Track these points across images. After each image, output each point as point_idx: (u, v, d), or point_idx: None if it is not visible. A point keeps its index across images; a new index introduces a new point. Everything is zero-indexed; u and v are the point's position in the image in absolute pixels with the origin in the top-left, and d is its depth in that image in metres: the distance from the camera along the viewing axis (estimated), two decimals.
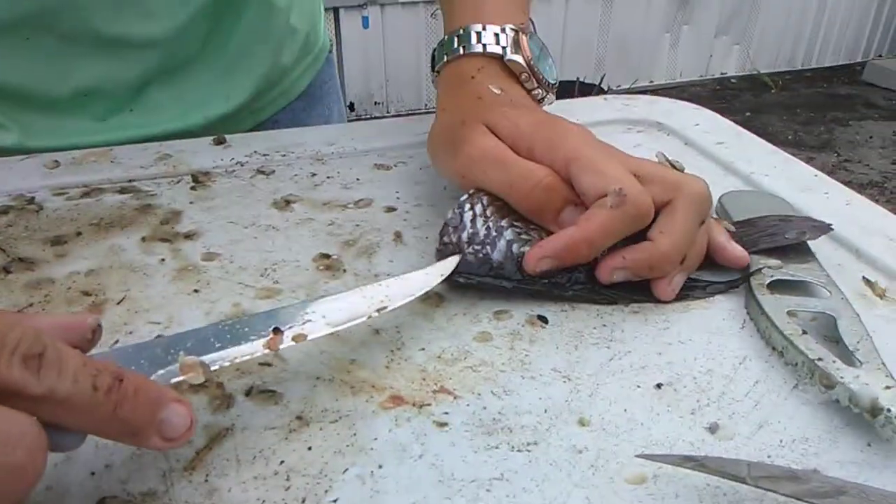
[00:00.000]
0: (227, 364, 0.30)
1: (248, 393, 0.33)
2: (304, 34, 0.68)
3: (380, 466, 0.29)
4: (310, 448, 0.30)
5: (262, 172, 0.52)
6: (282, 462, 0.30)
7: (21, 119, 0.57)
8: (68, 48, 0.55)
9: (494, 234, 0.39)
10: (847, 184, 0.51)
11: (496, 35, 0.46)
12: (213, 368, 0.29)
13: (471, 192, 0.41)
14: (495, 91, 0.44)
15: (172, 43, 0.58)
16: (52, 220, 0.46)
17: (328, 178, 0.51)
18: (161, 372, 0.28)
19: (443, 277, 0.38)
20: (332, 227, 0.45)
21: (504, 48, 0.46)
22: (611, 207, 0.37)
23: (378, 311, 0.35)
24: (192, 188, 0.50)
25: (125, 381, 0.24)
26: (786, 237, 0.42)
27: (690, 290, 0.40)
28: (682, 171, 0.41)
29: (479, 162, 0.41)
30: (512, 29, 0.46)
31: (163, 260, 0.42)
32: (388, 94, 3.30)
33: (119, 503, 0.28)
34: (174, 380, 0.28)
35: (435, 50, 0.49)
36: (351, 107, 3.22)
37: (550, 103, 0.48)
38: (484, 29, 0.46)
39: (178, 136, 0.58)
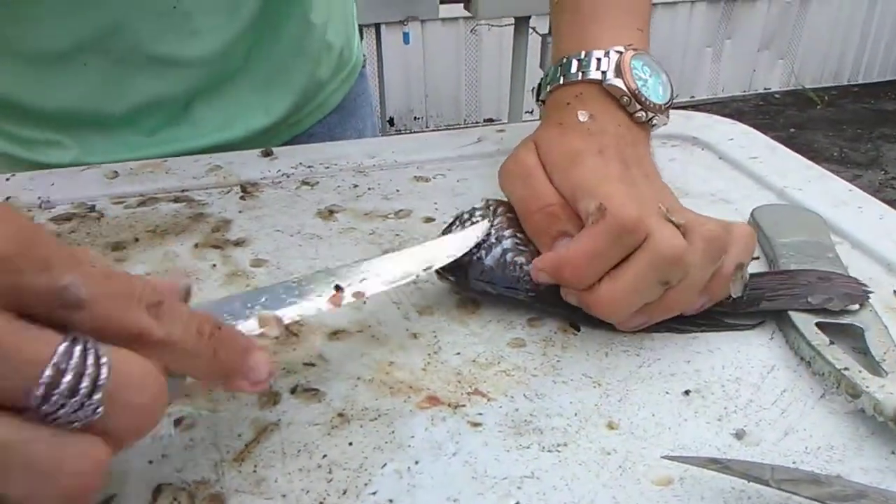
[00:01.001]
0: (296, 318, 0.33)
1: (293, 391, 0.35)
2: (339, 49, 0.71)
3: (416, 462, 0.31)
4: (351, 444, 0.32)
5: (307, 183, 0.54)
6: (324, 456, 0.31)
7: (79, 137, 0.60)
8: (122, 70, 0.58)
9: (494, 240, 0.40)
10: (894, 203, 0.51)
11: (598, 60, 0.45)
12: (285, 322, 0.32)
13: (492, 200, 0.43)
14: (581, 119, 0.44)
15: (217, 60, 0.61)
16: (112, 227, 0.48)
17: (369, 189, 0.54)
18: (241, 324, 0.31)
19: (478, 239, 0.40)
20: (373, 237, 0.47)
21: (604, 73, 0.44)
22: (592, 224, 0.36)
23: (425, 269, 0.38)
24: (241, 198, 0.52)
25: (222, 328, 0.27)
26: (808, 300, 0.39)
27: (703, 325, 0.39)
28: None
29: (510, 174, 0.43)
30: (616, 51, 0.45)
31: (214, 265, 0.44)
32: (428, 109, 3.34)
33: (174, 490, 0.30)
34: (253, 332, 0.31)
35: (541, 80, 0.49)
36: (391, 121, 3.27)
37: (664, 124, 0.46)
38: (586, 56, 0.45)
39: (220, 148, 0.61)
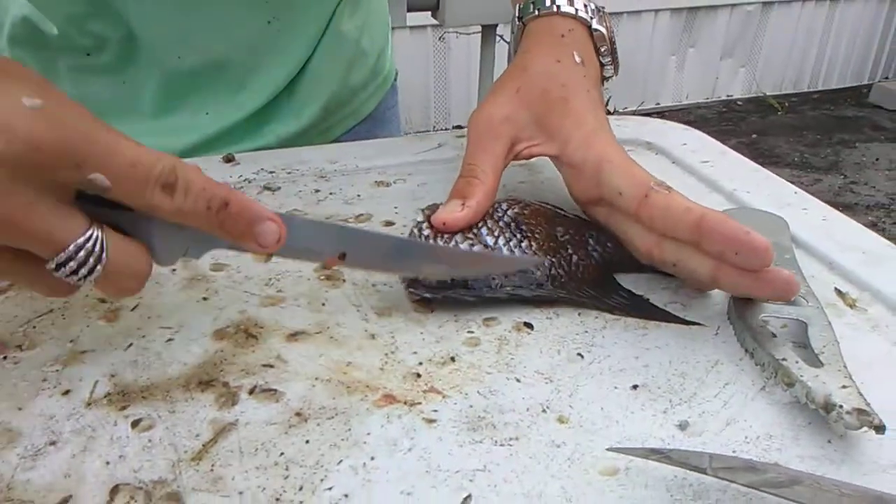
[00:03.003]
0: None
1: (251, 391, 0.35)
2: (374, 57, 0.72)
3: (372, 458, 0.32)
4: (307, 441, 0.33)
5: (269, 188, 0.55)
6: (281, 454, 0.32)
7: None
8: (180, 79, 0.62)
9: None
10: (853, 206, 0.53)
11: (585, 5, 0.49)
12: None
13: (419, 218, 0.44)
14: (576, 59, 0.47)
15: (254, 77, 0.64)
16: None
17: (331, 194, 0.54)
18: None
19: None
20: None
21: (591, 18, 0.49)
22: (662, 191, 0.41)
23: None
24: None
25: (230, 203, 0.34)
26: None
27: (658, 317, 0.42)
28: None
29: (477, 129, 0.47)
30: (595, 6, 0.50)
31: (174, 270, 0.45)
32: (397, 116, 3.34)
33: (131, 490, 0.30)
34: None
35: (520, 4, 0.52)
36: None
37: (605, 87, 0.51)
38: None
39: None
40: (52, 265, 0.30)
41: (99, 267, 0.31)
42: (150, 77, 0.61)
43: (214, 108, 0.64)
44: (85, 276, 0.31)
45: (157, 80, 0.61)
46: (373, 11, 0.72)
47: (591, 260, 0.44)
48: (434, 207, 0.44)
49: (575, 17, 0.49)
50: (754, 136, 3.55)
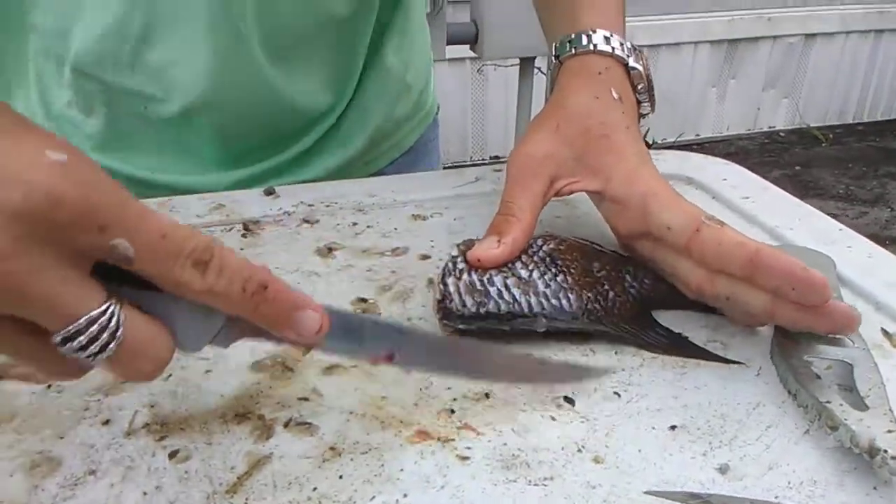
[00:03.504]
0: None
1: (286, 424, 0.36)
2: (417, 91, 0.74)
3: (405, 495, 0.32)
4: (341, 476, 0.33)
5: (308, 221, 0.56)
6: (315, 489, 0.32)
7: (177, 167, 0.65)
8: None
9: (487, 283, 0.42)
10: None
11: (621, 44, 0.50)
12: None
13: (454, 253, 0.44)
14: (614, 95, 0.48)
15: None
16: None
17: (368, 227, 0.55)
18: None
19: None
20: (370, 273, 0.48)
21: (628, 56, 0.50)
22: (713, 225, 0.41)
23: None
24: (243, 236, 0.54)
25: (269, 288, 0.30)
26: None
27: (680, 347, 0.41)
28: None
29: (516, 164, 0.47)
30: (631, 44, 0.50)
31: None
32: (438, 148, 3.37)
33: None
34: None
35: (556, 43, 0.52)
36: None
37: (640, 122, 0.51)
38: (611, 35, 0.50)
39: None
40: (58, 338, 0.27)
41: (112, 344, 0.28)
42: (207, 141, 0.63)
43: (265, 154, 0.66)
44: (95, 354, 0.27)
45: (215, 143, 0.63)
46: (417, 47, 0.73)
47: (627, 296, 0.43)
48: (470, 242, 0.44)
49: (612, 55, 0.49)
50: (798, 167, 3.49)
